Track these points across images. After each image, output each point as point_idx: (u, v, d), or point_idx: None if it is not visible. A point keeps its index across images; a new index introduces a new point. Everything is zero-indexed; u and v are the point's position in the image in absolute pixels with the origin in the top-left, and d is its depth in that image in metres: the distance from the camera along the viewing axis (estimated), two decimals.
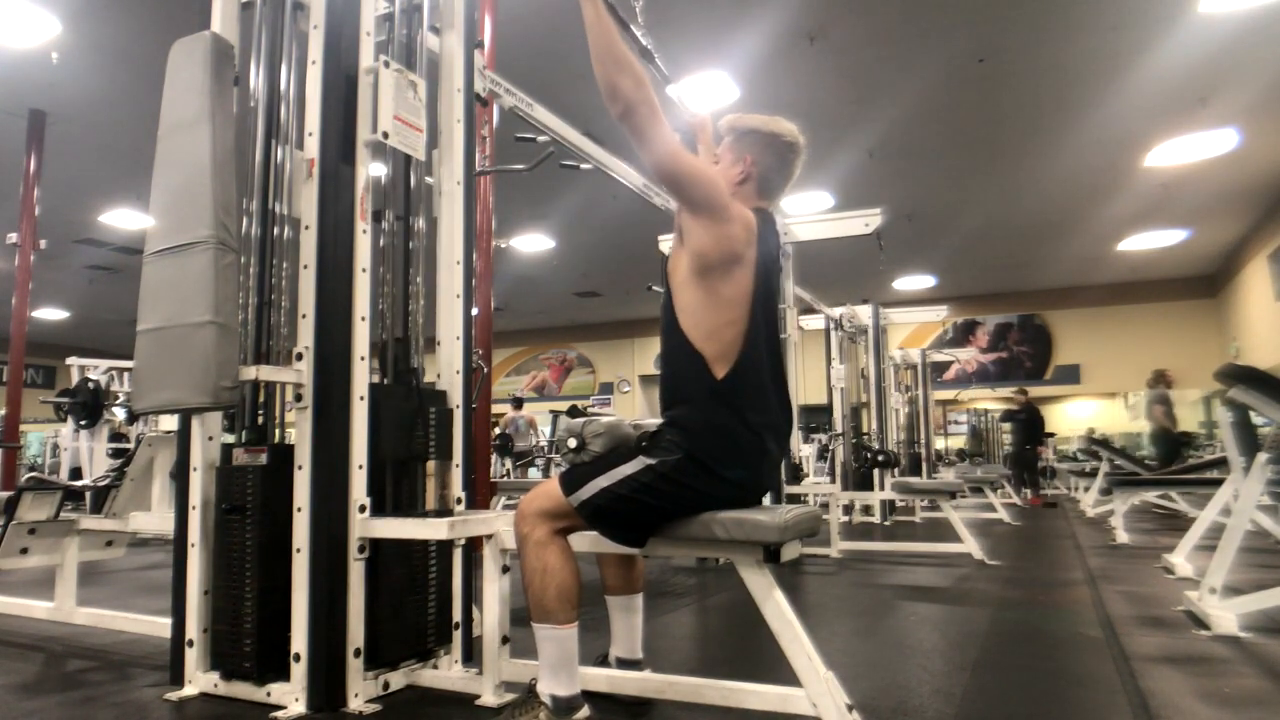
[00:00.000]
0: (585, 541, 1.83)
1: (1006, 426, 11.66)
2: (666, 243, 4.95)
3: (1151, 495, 8.00)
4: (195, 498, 2.17)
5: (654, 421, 1.94)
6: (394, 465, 2.22)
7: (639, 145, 1.70)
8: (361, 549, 2.03)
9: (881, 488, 6.79)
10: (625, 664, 2.05)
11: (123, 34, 5.76)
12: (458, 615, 2.32)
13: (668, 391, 1.84)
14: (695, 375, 1.76)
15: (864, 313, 7.68)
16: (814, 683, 1.62)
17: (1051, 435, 13.35)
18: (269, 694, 2.01)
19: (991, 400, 11.82)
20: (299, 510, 2.01)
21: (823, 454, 8.72)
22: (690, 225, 1.77)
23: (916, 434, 9.39)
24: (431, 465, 2.17)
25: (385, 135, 2.12)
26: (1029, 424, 10.70)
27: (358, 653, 2.01)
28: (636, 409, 16.42)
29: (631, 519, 1.75)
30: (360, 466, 2.05)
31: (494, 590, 2.00)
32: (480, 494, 4.27)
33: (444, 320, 2.40)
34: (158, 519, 2.71)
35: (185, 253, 1.97)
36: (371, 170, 2.16)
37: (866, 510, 7.59)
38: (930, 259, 12.10)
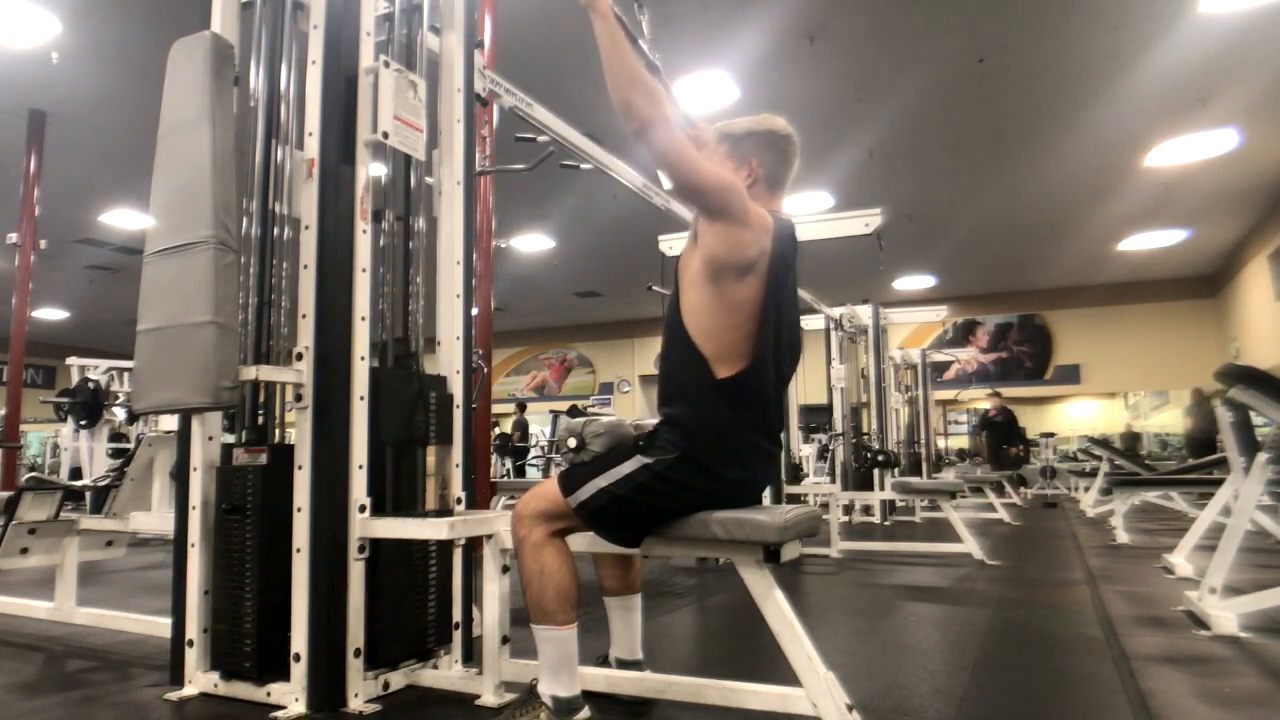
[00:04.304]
0: (582, 542, 1.83)
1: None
2: (666, 242, 4.94)
3: (1152, 495, 8.01)
4: (195, 498, 2.17)
5: (654, 421, 1.94)
6: (395, 450, 2.21)
7: (656, 160, 1.69)
8: (361, 549, 2.03)
9: (881, 488, 6.79)
10: (625, 665, 2.05)
11: (123, 34, 5.76)
12: (458, 615, 2.32)
13: (666, 389, 1.83)
14: (694, 374, 1.76)
15: (864, 313, 7.66)
16: (814, 683, 1.62)
17: (1052, 435, 13.36)
18: (269, 694, 2.01)
19: (990, 400, 11.82)
20: (299, 510, 2.01)
21: (823, 454, 8.70)
22: (706, 230, 1.76)
23: (916, 434, 9.39)
24: (432, 464, 2.17)
25: (385, 135, 2.12)
26: (1005, 426, 10.79)
27: (358, 653, 2.01)
28: (636, 409, 16.42)
29: (629, 519, 1.75)
30: (360, 466, 2.05)
31: (494, 590, 2.00)
32: (480, 494, 4.27)
33: (444, 320, 2.40)
34: (158, 519, 2.71)
35: (185, 253, 1.97)
36: (371, 170, 2.16)
37: (866, 510, 7.59)
38: (930, 259, 12.10)
